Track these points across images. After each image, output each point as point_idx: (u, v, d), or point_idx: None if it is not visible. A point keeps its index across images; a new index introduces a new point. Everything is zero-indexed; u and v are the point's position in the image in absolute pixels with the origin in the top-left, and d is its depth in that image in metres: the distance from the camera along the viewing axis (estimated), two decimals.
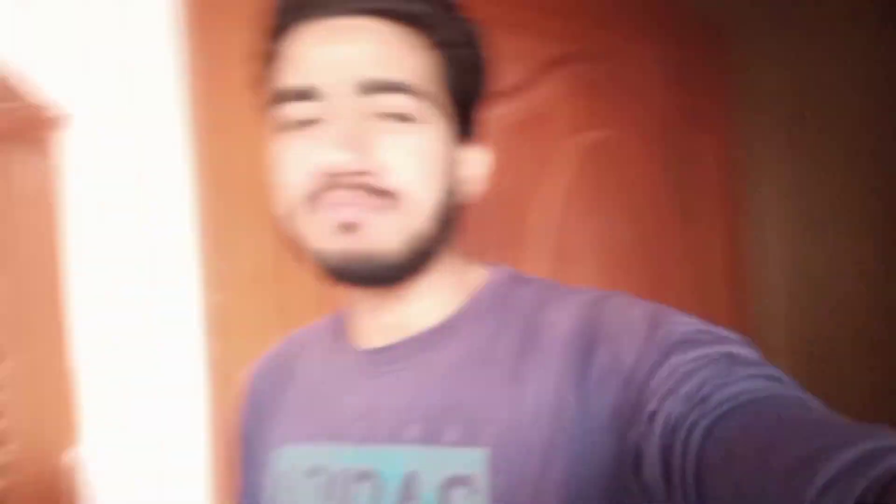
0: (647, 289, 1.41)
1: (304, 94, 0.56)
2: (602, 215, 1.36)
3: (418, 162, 0.56)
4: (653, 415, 0.47)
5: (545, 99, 1.32)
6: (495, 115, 1.26)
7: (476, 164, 0.64)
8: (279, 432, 0.67)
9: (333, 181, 0.55)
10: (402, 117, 0.56)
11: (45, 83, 1.01)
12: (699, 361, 0.47)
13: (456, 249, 0.63)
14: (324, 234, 0.56)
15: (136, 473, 1.05)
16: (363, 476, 0.58)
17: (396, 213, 0.56)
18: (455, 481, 0.54)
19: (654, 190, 1.43)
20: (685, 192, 1.49)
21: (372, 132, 0.55)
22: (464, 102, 0.61)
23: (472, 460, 0.54)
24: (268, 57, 0.60)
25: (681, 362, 0.48)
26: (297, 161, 0.56)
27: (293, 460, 0.64)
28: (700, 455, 0.43)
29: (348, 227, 0.55)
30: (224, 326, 0.98)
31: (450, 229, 0.61)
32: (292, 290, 1.01)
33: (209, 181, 0.99)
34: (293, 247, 0.60)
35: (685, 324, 0.52)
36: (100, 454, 1.03)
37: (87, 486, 1.01)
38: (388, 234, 0.56)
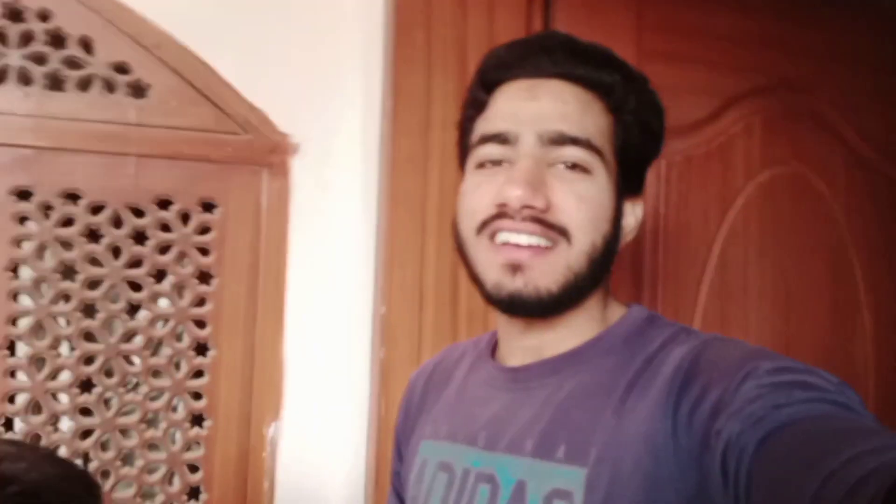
0: (825, 337, 1.34)
1: (498, 138, 0.66)
2: (778, 254, 1.32)
3: (584, 206, 0.64)
4: (718, 433, 0.51)
5: (728, 133, 1.31)
6: (678, 148, 1.29)
7: (633, 216, 0.71)
8: (427, 428, 0.76)
9: (508, 211, 0.64)
10: (576, 167, 0.65)
11: (282, 119, 1.22)
12: (767, 388, 0.50)
13: (603, 288, 0.70)
14: (493, 267, 0.65)
15: (313, 450, 1.22)
16: (486, 478, 0.66)
17: (557, 253, 0.64)
18: (557, 494, 0.60)
19: (833, 232, 1.35)
20: (879, 244, 1.39)
21: (548, 176, 0.64)
22: (631, 161, 0.69)
23: (573, 477, 0.60)
24: (476, 105, 0.72)
25: (752, 387, 0.51)
26: (482, 194, 0.66)
27: (431, 453, 0.74)
28: (749, 471, 0.46)
29: (515, 268, 0.64)
30: (388, 335, 1.11)
31: (603, 272, 0.68)
32: (449, 309, 1.12)
33: (392, 209, 1.12)
34: (466, 269, 0.70)
35: (775, 360, 0.54)
36: (290, 432, 1.21)
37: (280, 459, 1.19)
38: (549, 275, 0.64)
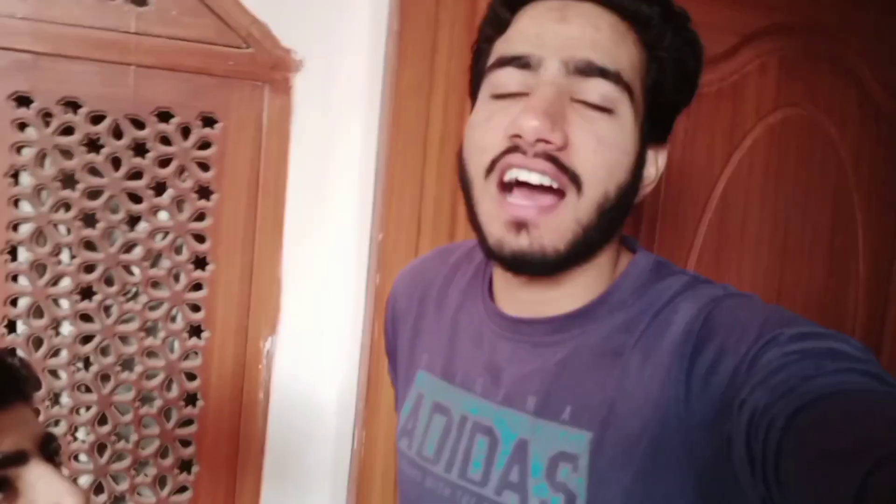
0: (818, 282, 1.35)
1: (518, 62, 0.59)
2: (780, 198, 1.31)
3: (603, 150, 0.58)
4: (742, 404, 0.49)
5: (742, 71, 1.27)
6: None
7: (655, 166, 0.65)
8: (423, 356, 0.74)
9: (521, 144, 0.57)
10: (600, 106, 0.58)
11: (286, 34, 1.19)
12: (793, 356, 0.48)
13: (616, 242, 0.65)
14: (497, 222, 0.59)
15: (306, 366, 1.25)
16: (484, 430, 0.64)
17: (566, 206, 0.58)
18: (562, 457, 0.58)
19: (839, 179, 1.34)
20: (884, 193, 1.37)
21: (569, 111, 0.57)
22: (660, 105, 0.62)
23: (578, 441, 0.58)
24: (496, 24, 0.64)
25: (776, 356, 0.49)
26: (494, 127, 0.59)
27: (427, 388, 0.71)
28: (780, 444, 0.44)
29: (521, 226, 0.58)
30: (384, 261, 1.12)
31: (615, 225, 0.62)
32: (446, 238, 1.12)
33: (394, 134, 1.10)
34: (468, 211, 0.63)
35: (795, 324, 0.51)
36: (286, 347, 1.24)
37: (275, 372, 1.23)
38: (556, 232, 0.58)
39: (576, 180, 0.58)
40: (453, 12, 1.12)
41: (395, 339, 0.82)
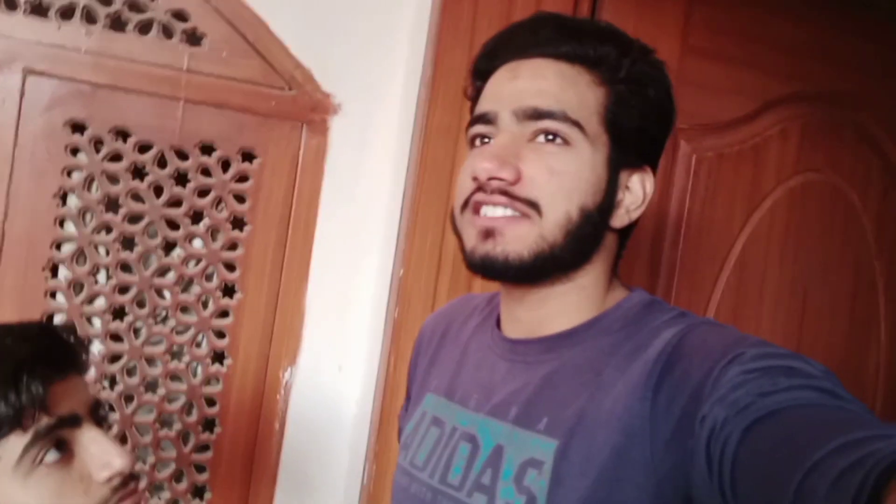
0: (838, 346, 1.34)
1: (482, 119, 0.69)
2: (800, 261, 1.32)
3: (556, 178, 0.64)
4: (703, 419, 0.51)
5: (763, 135, 1.31)
6: (711, 144, 1.30)
7: (641, 188, 0.69)
8: (433, 381, 0.79)
9: (481, 184, 0.65)
10: (554, 140, 0.65)
11: (327, 79, 1.26)
12: (753, 374, 0.51)
13: (603, 268, 0.70)
14: (472, 235, 0.67)
15: (323, 397, 1.27)
16: (468, 438, 0.69)
17: (530, 223, 0.64)
18: (531, 463, 0.62)
19: (860, 244, 1.35)
20: None
21: (522, 150, 0.65)
22: (627, 132, 0.67)
23: (546, 448, 0.62)
24: (474, 94, 0.74)
25: (737, 373, 0.52)
26: (466, 170, 0.68)
27: (431, 407, 0.77)
28: (735, 457, 0.47)
29: (489, 233, 0.65)
30: (403, 296, 1.16)
31: (587, 245, 0.67)
32: (464, 277, 1.16)
33: (421, 175, 1.16)
34: (458, 244, 0.71)
35: (759, 346, 0.54)
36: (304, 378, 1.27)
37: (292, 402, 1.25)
38: (520, 241, 0.64)
39: (534, 206, 0.64)
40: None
41: (414, 374, 0.87)
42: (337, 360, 1.28)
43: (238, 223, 1.26)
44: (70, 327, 0.70)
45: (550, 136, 0.65)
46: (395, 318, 1.16)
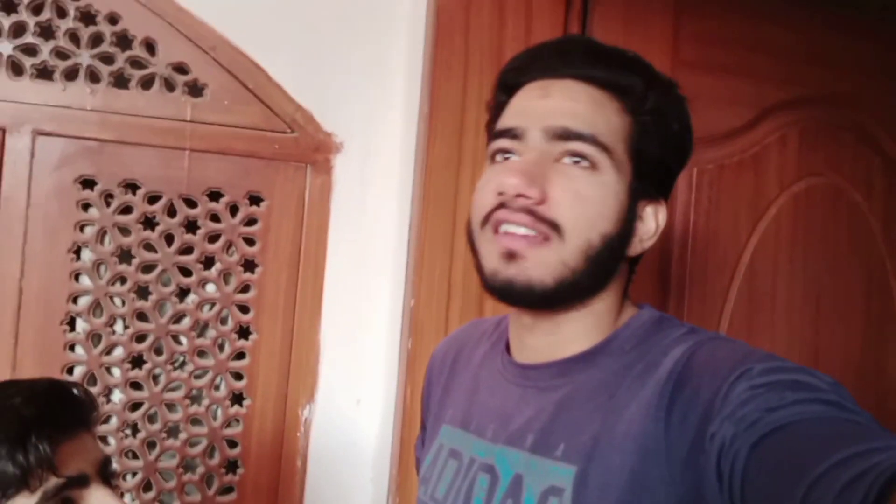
0: (856, 348, 1.34)
1: (508, 133, 0.68)
2: (810, 265, 1.32)
3: (581, 203, 0.64)
4: (713, 436, 0.52)
5: (762, 143, 1.32)
6: (710, 156, 1.31)
7: (654, 221, 0.70)
8: (448, 412, 0.79)
9: (505, 200, 0.64)
10: (581, 162, 0.65)
11: (327, 119, 1.29)
12: (760, 389, 0.51)
13: (616, 293, 0.70)
14: (492, 255, 0.66)
15: (343, 432, 1.28)
16: (487, 469, 0.69)
17: (551, 247, 0.64)
18: (552, 491, 0.62)
19: (869, 245, 1.35)
20: None
21: (549, 169, 0.65)
22: (649, 165, 0.68)
23: (565, 475, 0.61)
24: (497, 107, 0.73)
25: (745, 389, 0.52)
26: (490, 188, 0.67)
27: (447, 439, 0.77)
28: (744, 473, 0.48)
29: (511, 256, 0.64)
30: (416, 327, 1.17)
31: (606, 272, 0.67)
32: (475, 304, 1.17)
33: (425, 207, 1.17)
34: (474, 261, 0.70)
35: (767, 361, 0.55)
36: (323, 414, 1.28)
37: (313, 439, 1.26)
38: (543, 267, 0.64)
39: (556, 228, 0.64)
40: (479, 94, 1.20)
41: (428, 401, 0.87)
42: (355, 394, 1.29)
43: (249, 265, 1.28)
44: (79, 384, 0.71)
45: (577, 159, 0.65)
46: (409, 349, 1.17)
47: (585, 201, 0.64)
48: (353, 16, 1.30)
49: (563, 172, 0.65)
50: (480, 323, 0.88)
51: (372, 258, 1.30)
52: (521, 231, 0.64)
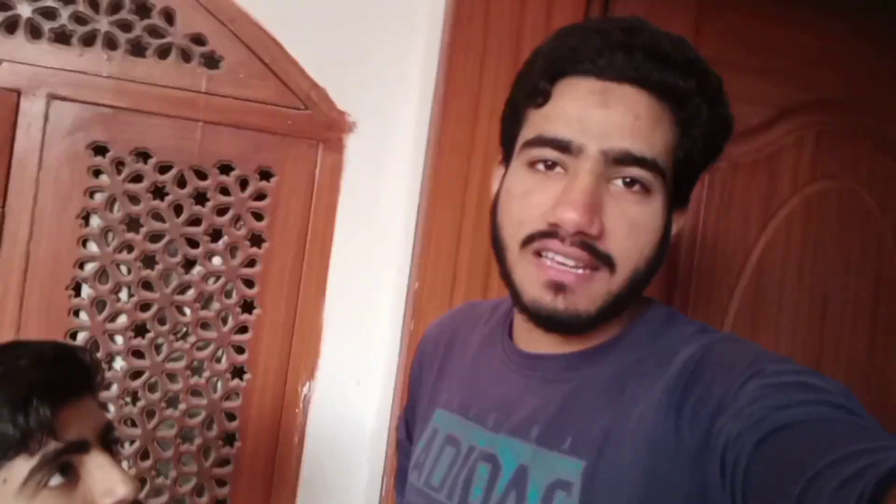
0: (861, 353, 1.33)
1: (559, 144, 0.61)
2: (819, 268, 1.31)
3: (635, 234, 0.61)
4: (719, 432, 0.52)
5: (778, 143, 1.31)
6: (725, 154, 1.29)
7: (676, 226, 0.68)
8: (443, 395, 0.77)
9: (559, 232, 0.61)
10: (634, 184, 0.61)
11: (342, 98, 1.28)
12: (768, 389, 0.51)
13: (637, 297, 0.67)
14: (535, 284, 0.62)
15: (342, 411, 1.29)
16: (488, 458, 0.67)
17: (599, 279, 0.62)
18: (558, 484, 0.61)
19: (880, 252, 1.34)
20: None
21: (605, 196, 0.61)
22: (688, 175, 0.65)
23: (573, 469, 0.60)
24: (536, 93, 0.64)
25: (753, 388, 0.52)
26: (533, 204, 0.62)
27: (443, 423, 0.75)
28: (746, 470, 0.48)
29: (559, 288, 0.61)
30: (419, 310, 1.16)
31: (643, 288, 0.65)
32: (479, 290, 1.16)
33: (434, 191, 1.17)
34: (500, 269, 0.67)
35: (779, 363, 0.54)
36: (322, 393, 1.28)
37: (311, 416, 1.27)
38: (590, 298, 0.62)
39: (609, 262, 0.61)
40: (495, 80, 1.19)
41: (418, 383, 0.86)
42: (355, 375, 1.29)
43: (256, 240, 1.28)
44: (85, 348, 0.71)
45: (630, 180, 0.61)
46: (411, 332, 1.17)
47: (639, 231, 0.62)
48: None
49: (618, 200, 0.61)
50: (476, 305, 0.86)
51: (379, 239, 1.29)
52: (572, 266, 0.61)
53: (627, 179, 0.61)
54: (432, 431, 0.76)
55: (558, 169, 0.62)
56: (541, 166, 0.63)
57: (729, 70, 1.28)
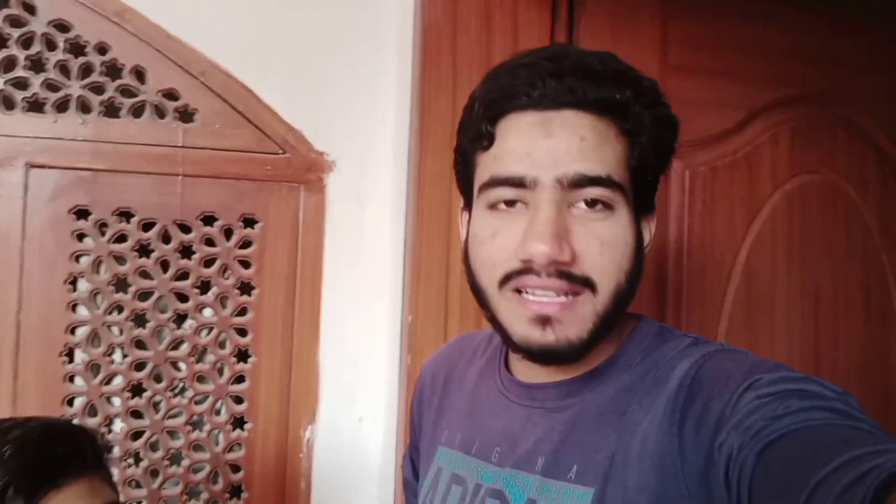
0: (858, 345, 1.33)
1: (512, 182, 0.62)
2: (807, 263, 1.31)
3: (607, 250, 0.62)
4: (720, 447, 0.52)
5: (754, 143, 1.32)
6: (702, 159, 1.31)
7: (648, 232, 0.69)
8: (444, 433, 0.77)
9: (533, 267, 0.61)
10: (596, 203, 0.62)
11: (319, 139, 1.29)
12: (766, 398, 0.51)
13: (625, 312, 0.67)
14: (521, 321, 0.63)
15: (346, 452, 1.28)
16: (495, 494, 0.66)
17: (584, 303, 0.62)
18: None
19: (866, 240, 1.34)
20: None
21: (570, 221, 0.61)
22: (645, 182, 0.66)
23: (582, 497, 0.60)
24: (480, 137, 0.65)
25: (751, 398, 0.52)
26: (501, 245, 0.63)
27: (446, 462, 0.74)
28: (751, 482, 0.48)
29: (545, 321, 0.62)
30: (414, 343, 1.16)
31: (629, 303, 0.65)
32: (472, 318, 1.15)
33: (420, 222, 1.17)
34: (486, 315, 0.67)
35: (775, 371, 0.54)
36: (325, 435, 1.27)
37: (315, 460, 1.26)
38: (579, 324, 0.62)
39: (589, 284, 0.62)
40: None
41: (420, 421, 0.86)
42: (357, 413, 1.28)
43: (246, 288, 1.28)
44: (83, 427, 0.69)
45: (591, 201, 0.62)
46: (409, 365, 1.16)
47: (610, 247, 0.62)
48: (342, 35, 1.31)
49: (582, 221, 0.62)
50: (471, 338, 0.86)
51: (369, 275, 1.29)
52: (555, 298, 0.62)
53: (589, 200, 0.62)
54: (437, 471, 0.76)
55: (519, 205, 0.63)
56: (502, 206, 0.64)
57: (698, 76, 1.32)
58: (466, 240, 0.69)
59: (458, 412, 0.77)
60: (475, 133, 0.66)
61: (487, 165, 0.65)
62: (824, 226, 1.34)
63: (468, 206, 0.71)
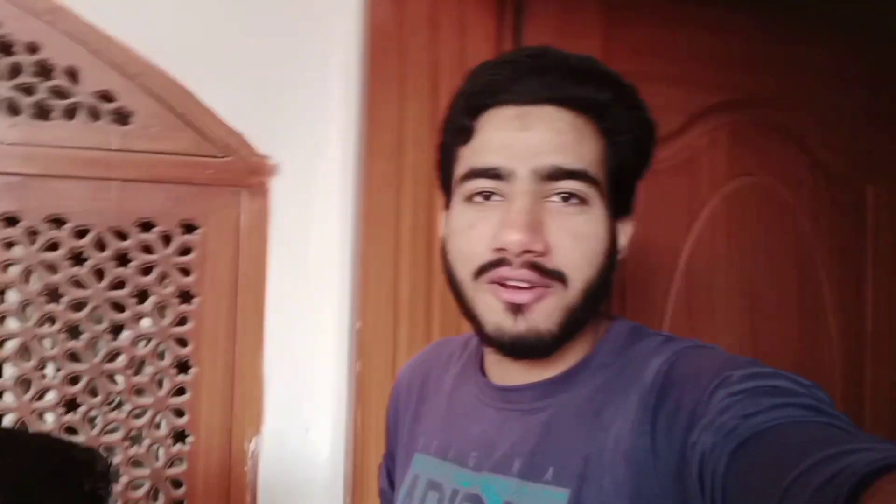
0: (792, 342, 1.38)
1: (489, 173, 0.63)
2: (745, 263, 1.35)
3: (580, 245, 0.63)
4: (693, 446, 0.52)
5: (693, 147, 1.35)
6: None
7: (625, 235, 0.70)
8: (420, 439, 0.77)
9: (506, 257, 0.62)
10: (571, 198, 0.63)
11: (261, 141, 1.26)
12: (738, 395, 0.51)
13: (598, 313, 0.68)
14: (494, 310, 0.63)
15: (293, 464, 1.24)
16: (472, 499, 0.66)
17: (555, 296, 0.62)
18: None
19: (800, 241, 1.39)
20: (844, 251, 1.42)
21: (545, 213, 0.62)
22: (623, 183, 0.67)
23: (559, 499, 0.60)
24: (460, 131, 0.67)
25: (723, 396, 0.52)
26: (477, 236, 0.64)
27: (423, 469, 0.74)
28: (724, 482, 0.48)
29: (517, 309, 0.62)
30: (364, 349, 1.15)
31: (601, 301, 0.66)
32: (423, 323, 1.15)
33: (368, 227, 1.16)
34: (462, 309, 0.68)
35: (746, 367, 0.54)
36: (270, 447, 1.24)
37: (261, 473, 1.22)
38: (550, 317, 0.63)
39: (560, 277, 0.62)
40: (417, 112, 1.20)
41: (395, 429, 0.85)
42: (303, 423, 1.25)
43: (186, 297, 1.24)
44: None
45: (566, 195, 0.63)
46: (358, 372, 1.14)
47: (583, 242, 0.63)
48: (286, 37, 1.28)
49: (557, 215, 0.63)
50: (446, 343, 0.86)
51: (315, 282, 1.27)
52: (527, 290, 0.62)
53: (564, 194, 0.63)
54: (413, 478, 0.75)
55: (496, 198, 0.64)
56: (479, 198, 0.65)
57: (640, 81, 1.30)
58: (445, 236, 0.69)
59: (435, 418, 0.77)
60: (457, 128, 0.68)
61: (466, 158, 0.67)
62: (761, 227, 1.38)
63: (448, 204, 0.71)
